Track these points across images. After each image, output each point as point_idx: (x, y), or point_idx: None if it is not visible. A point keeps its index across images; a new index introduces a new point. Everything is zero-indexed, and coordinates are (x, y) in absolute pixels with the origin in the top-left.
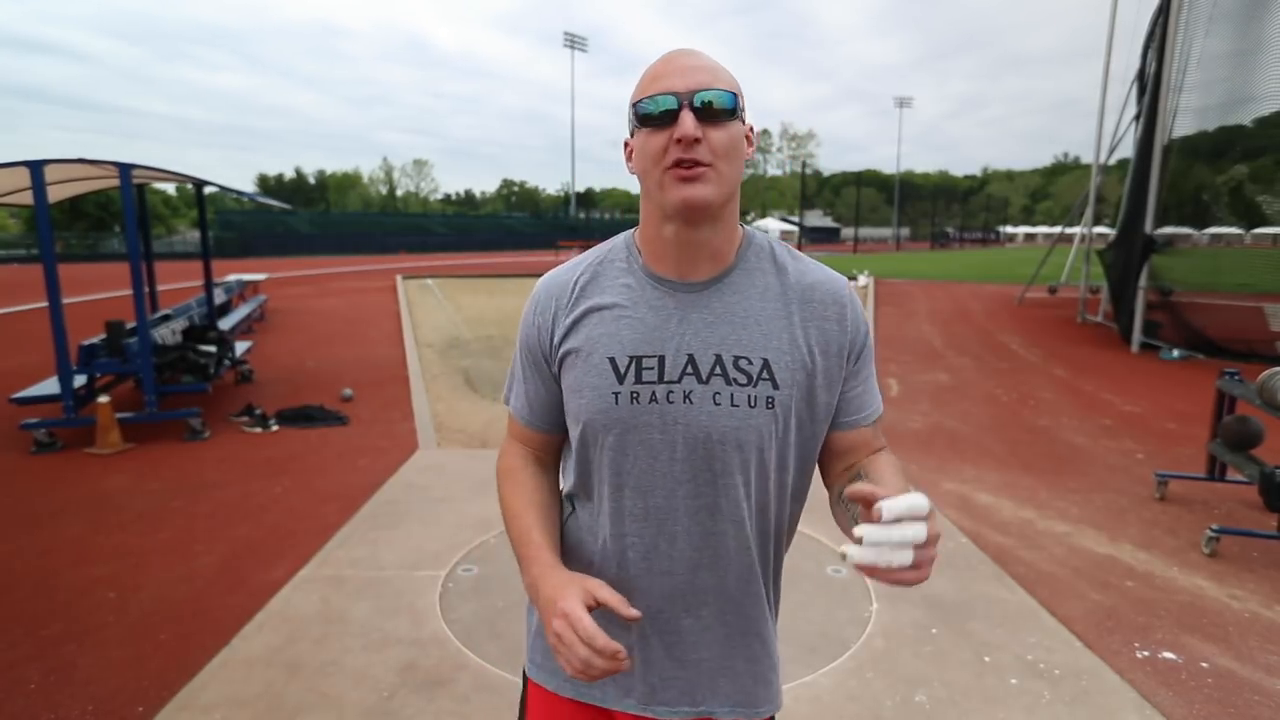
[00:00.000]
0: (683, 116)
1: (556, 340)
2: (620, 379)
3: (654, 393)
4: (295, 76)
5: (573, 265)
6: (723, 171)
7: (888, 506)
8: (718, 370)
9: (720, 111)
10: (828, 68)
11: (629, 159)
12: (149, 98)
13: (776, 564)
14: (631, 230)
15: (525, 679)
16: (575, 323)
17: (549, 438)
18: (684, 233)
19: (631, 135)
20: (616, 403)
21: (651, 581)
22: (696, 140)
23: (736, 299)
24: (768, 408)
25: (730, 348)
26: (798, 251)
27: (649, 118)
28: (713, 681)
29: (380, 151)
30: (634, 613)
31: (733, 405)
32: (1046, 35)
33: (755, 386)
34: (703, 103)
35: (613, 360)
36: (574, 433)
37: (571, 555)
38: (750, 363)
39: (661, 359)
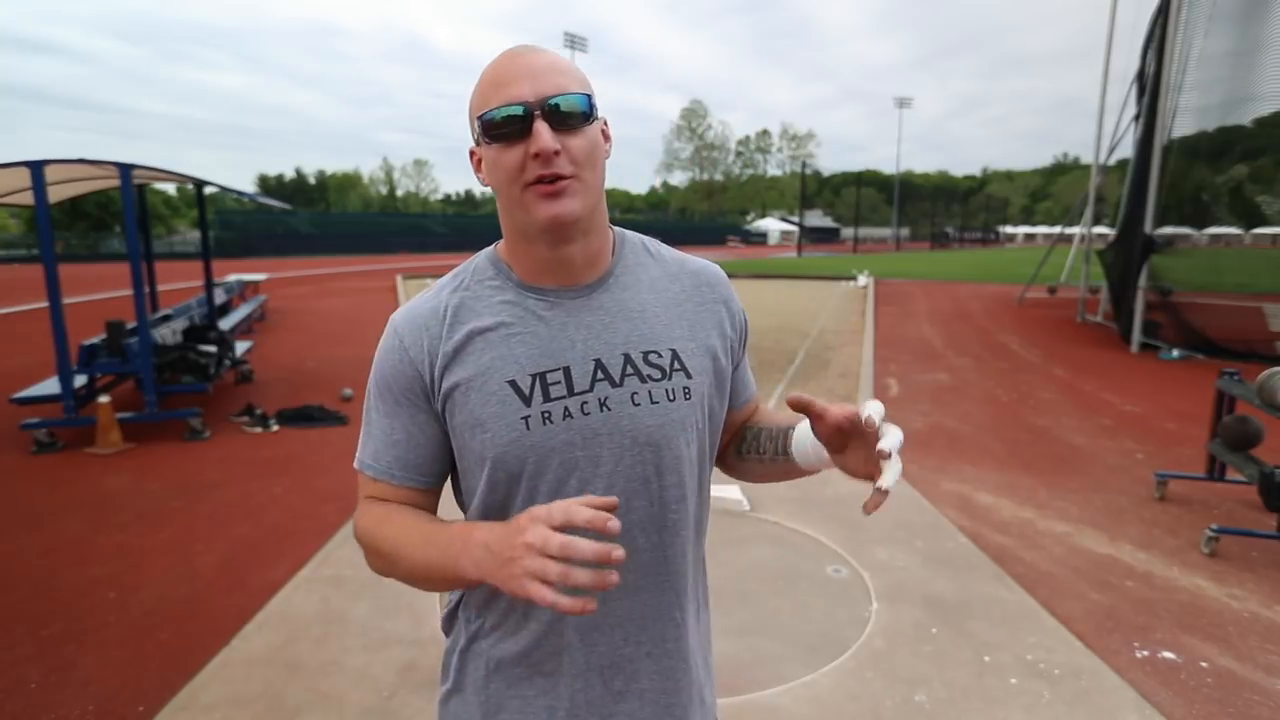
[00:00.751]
0: (537, 128)
1: (437, 374)
2: (527, 401)
3: (566, 408)
4: (295, 76)
5: (434, 292)
6: (586, 180)
7: (876, 416)
8: (629, 370)
9: (575, 116)
10: (828, 68)
11: (478, 170)
12: (148, 98)
13: (704, 572)
14: (491, 247)
15: None
16: (456, 351)
17: (423, 494)
18: (555, 250)
19: (478, 144)
20: (528, 428)
21: (593, 619)
22: (556, 153)
23: (627, 295)
24: (686, 398)
25: (636, 344)
26: (662, 243)
27: (497, 132)
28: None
29: (380, 151)
30: (616, 524)
31: (652, 403)
32: (1046, 35)
33: (670, 379)
34: (555, 109)
35: (513, 383)
36: (478, 477)
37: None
38: (660, 355)
39: (567, 370)
